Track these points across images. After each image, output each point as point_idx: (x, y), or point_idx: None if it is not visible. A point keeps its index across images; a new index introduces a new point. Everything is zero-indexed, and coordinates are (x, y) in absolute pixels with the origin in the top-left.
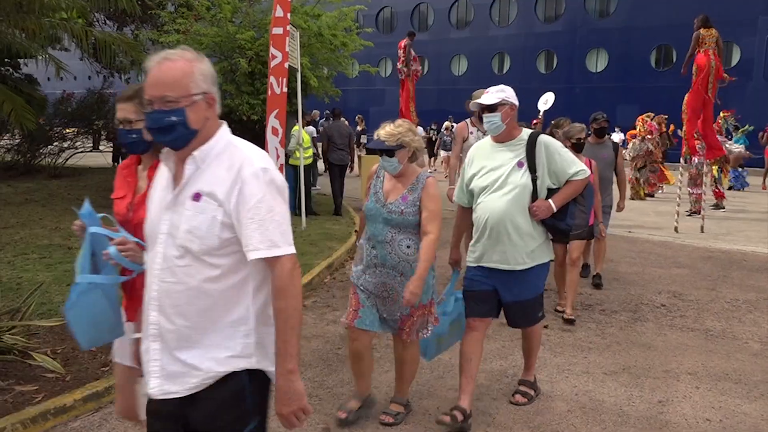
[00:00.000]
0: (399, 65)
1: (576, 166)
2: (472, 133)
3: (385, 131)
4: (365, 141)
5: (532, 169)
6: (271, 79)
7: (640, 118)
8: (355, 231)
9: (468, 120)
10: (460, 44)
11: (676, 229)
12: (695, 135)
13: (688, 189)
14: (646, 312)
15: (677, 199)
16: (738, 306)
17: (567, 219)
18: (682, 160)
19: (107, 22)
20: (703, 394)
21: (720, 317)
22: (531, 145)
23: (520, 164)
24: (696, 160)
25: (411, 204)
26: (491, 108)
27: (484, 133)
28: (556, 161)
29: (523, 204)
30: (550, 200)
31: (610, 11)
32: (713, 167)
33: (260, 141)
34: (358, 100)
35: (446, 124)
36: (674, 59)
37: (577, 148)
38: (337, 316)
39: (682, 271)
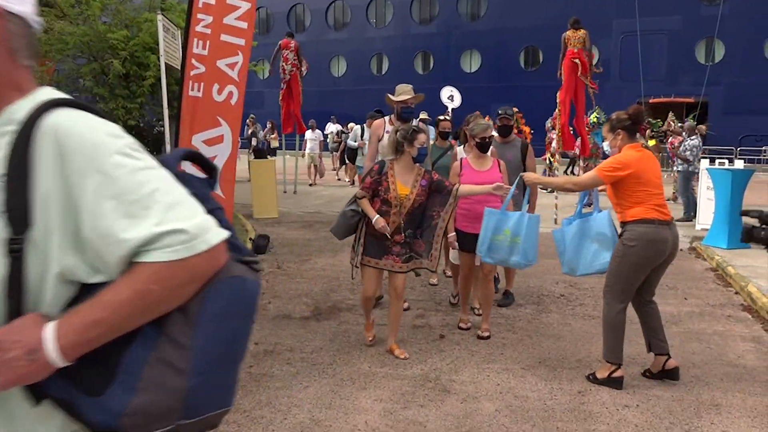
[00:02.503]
0: (283, 65)
1: (158, 223)
2: (388, 131)
3: None
4: (255, 143)
5: (17, 219)
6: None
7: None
8: (250, 239)
9: (387, 117)
10: (338, 45)
11: (555, 221)
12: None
13: None
14: (549, 303)
15: (555, 192)
16: None
17: (117, 387)
18: (548, 154)
19: None
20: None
21: None
22: (22, 141)
23: None
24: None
25: None
26: None
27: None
28: (86, 199)
29: None
30: (50, 325)
31: (480, 14)
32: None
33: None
34: None
35: (350, 125)
36: (541, 60)
37: (480, 148)
38: None
39: None
